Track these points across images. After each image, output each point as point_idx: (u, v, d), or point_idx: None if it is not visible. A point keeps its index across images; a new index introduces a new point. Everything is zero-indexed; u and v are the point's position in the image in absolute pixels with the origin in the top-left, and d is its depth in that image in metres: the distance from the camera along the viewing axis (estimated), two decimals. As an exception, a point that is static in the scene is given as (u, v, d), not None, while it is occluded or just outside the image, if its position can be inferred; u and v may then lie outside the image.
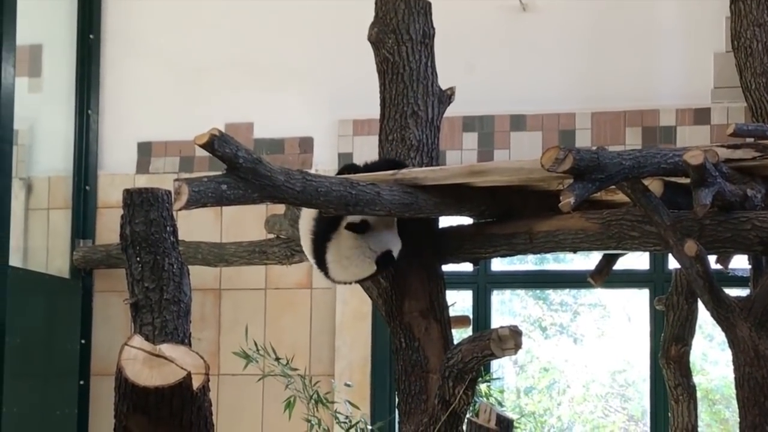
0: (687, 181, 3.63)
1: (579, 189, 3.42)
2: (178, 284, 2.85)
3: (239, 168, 3.40)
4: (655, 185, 3.77)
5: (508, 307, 7.12)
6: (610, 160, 3.48)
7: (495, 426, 3.35)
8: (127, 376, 2.49)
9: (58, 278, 6.33)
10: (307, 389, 5.28)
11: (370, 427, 5.50)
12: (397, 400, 4.32)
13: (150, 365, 2.49)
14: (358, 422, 5.37)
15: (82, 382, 6.33)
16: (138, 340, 2.51)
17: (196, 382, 2.51)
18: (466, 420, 3.83)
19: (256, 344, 5.29)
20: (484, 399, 5.46)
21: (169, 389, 2.48)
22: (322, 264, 4.09)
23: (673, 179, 3.76)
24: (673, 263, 4.89)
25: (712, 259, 3.98)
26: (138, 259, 2.87)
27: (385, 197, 3.90)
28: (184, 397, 2.50)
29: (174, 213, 3.07)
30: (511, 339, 3.79)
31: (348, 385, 5.76)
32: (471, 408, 4.02)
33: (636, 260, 5.87)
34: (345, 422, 5.38)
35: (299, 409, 5.29)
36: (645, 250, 4.08)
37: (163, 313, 2.83)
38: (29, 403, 5.94)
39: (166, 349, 2.53)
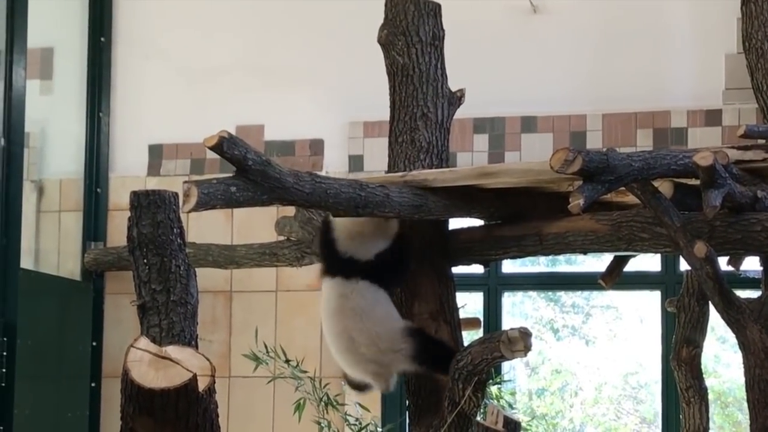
0: (697, 182, 3.61)
1: (588, 190, 3.41)
2: (185, 286, 2.85)
3: (248, 170, 3.39)
4: (665, 187, 3.76)
5: (519, 309, 7.11)
6: (620, 161, 3.47)
7: (502, 428, 3.34)
8: (133, 378, 2.48)
9: (69, 280, 6.34)
10: (317, 391, 5.27)
11: (380, 430, 5.50)
12: (407, 402, 4.31)
13: (156, 367, 2.49)
14: (368, 424, 5.37)
15: (93, 384, 6.34)
16: (144, 342, 2.51)
17: (202, 384, 2.51)
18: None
19: (266, 346, 5.28)
20: (495, 401, 5.45)
21: (175, 391, 2.48)
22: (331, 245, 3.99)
23: (683, 181, 3.75)
24: (684, 265, 4.87)
25: (723, 260, 3.97)
26: (145, 261, 2.87)
27: (394, 199, 3.89)
28: (190, 398, 2.49)
29: (182, 215, 3.06)
30: (521, 341, 3.79)
31: None
32: (481, 410, 4.01)
33: (647, 262, 5.85)
34: (355, 424, 5.38)
35: (309, 411, 5.29)
36: (655, 252, 4.07)
37: (170, 315, 2.83)
38: (41, 405, 5.95)
39: (172, 351, 2.53)
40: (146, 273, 2.84)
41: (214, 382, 2.53)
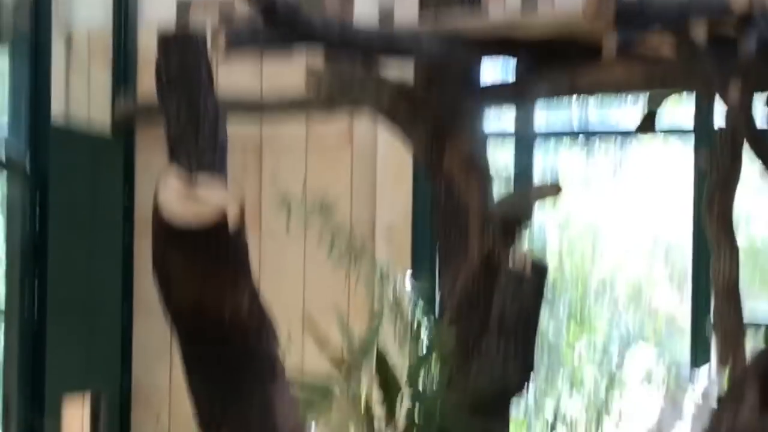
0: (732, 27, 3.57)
1: (622, 35, 3.38)
2: (213, 123, 2.84)
3: (277, 14, 3.37)
4: (699, 32, 3.71)
5: (551, 164, 7.07)
6: (653, 5, 3.43)
7: (530, 272, 3.35)
8: (162, 216, 2.49)
9: (100, 138, 6.31)
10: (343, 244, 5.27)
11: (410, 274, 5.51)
12: (437, 245, 4.32)
13: (185, 205, 2.48)
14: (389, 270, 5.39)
15: (125, 240, 6.37)
16: (173, 179, 2.51)
17: (231, 221, 2.51)
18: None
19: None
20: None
21: (204, 228, 2.48)
22: None
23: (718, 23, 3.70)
24: (717, 120, 4.84)
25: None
26: (174, 100, 2.85)
27: (424, 45, 3.87)
28: (220, 235, 2.50)
29: (212, 58, 3.05)
30: (551, 192, 3.79)
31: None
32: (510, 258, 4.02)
33: (679, 117, 5.80)
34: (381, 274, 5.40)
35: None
36: (690, 91, 4.04)
37: (199, 150, 2.83)
38: (74, 259, 6.00)
39: (202, 182, 2.52)
40: (174, 110, 2.83)
41: (244, 219, 2.53)
